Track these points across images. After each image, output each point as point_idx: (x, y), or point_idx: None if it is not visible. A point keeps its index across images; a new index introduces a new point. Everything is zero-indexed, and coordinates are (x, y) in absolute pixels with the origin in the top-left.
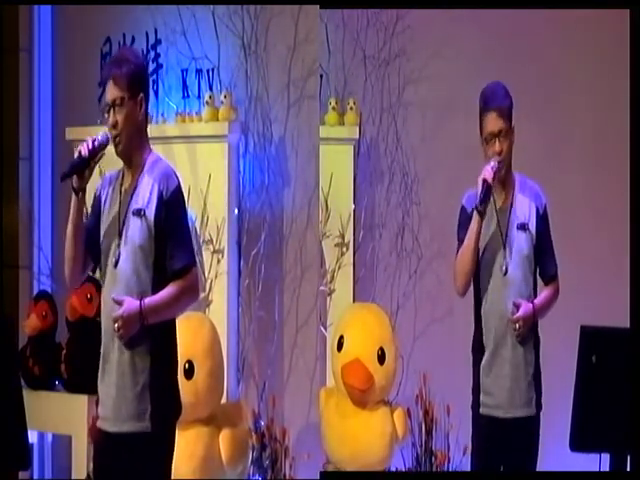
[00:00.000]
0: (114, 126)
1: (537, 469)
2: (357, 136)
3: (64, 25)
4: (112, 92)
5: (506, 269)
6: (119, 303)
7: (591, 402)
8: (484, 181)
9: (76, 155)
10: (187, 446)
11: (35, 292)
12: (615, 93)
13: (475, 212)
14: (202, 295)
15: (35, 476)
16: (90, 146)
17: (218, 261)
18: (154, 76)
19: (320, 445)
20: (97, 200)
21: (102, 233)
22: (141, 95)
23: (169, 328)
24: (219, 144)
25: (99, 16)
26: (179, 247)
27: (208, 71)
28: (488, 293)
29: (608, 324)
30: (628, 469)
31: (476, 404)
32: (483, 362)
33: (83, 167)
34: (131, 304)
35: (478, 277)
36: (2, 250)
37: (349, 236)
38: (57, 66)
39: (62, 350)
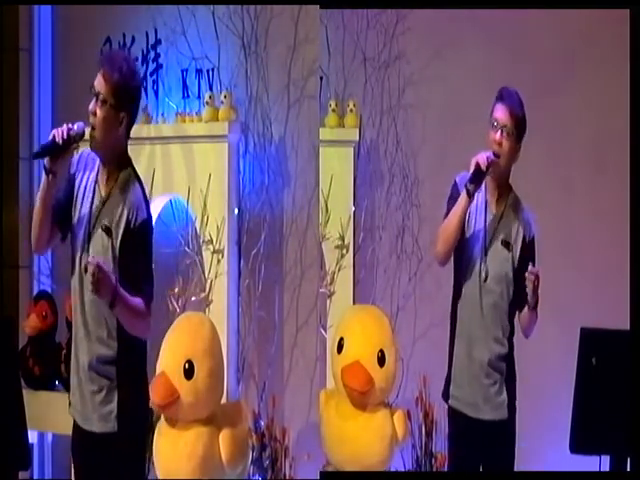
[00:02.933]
0: (93, 114)
1: (537, 470)
2: (357, 138)
3: (64, 25)
4: (99, 85)
5: (486, 277)
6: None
7: (591, 404)
8: (477, 164)
9: (50, 137)
10: (187, 446)
11: (35, 292)
12: (615, 93)
13: (464, 191)
14: (202, 295)
15: (35, 476)
16: (65, 135)
17: (218, 261)
18: (154, 76)
19: (320, 445)
20: (71, 178)
21: (75, 219)
22: (123, 114)
23: (137, 340)
24: (219, 144)
25: (99, 16)
26: (141, 282)
27: (208, 71)
28: (465, 293)
29: (608, 326)
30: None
31: (446, 394)
32: (456, 352)
33: (55, 152)
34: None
35: (458, 273)
36: (2, 250)
37: (349, 238)
38: (57, 66)
39: (62, 350)
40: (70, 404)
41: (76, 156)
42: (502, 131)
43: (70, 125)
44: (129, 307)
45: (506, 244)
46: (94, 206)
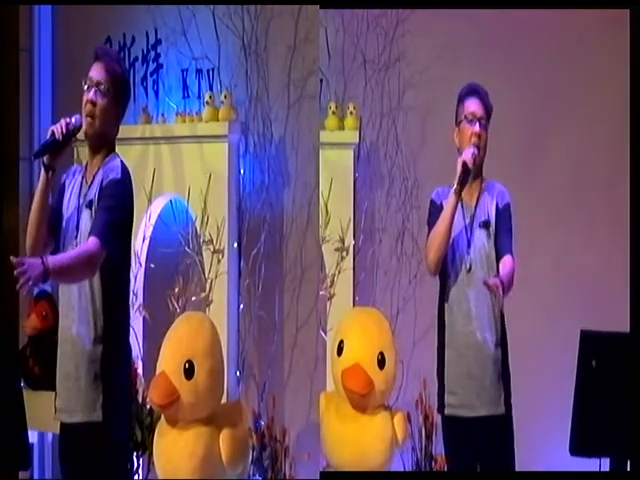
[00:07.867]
0: (93, 103)
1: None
2: (357, 140)
3: (64, 25)
4: (101, 73)
5: (470, 266)
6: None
7: (591, 406)
8: (464, 164)
9: (49, 135)
10: (187, 446)
11: (35, 292)
12: (615, 93)
13: (452, 193)
14: (202, 295)
15: (35, 476)
16: (64, 129)
17: (218, 261)
18: (154, 76)
19: (320, 446)
20: (62, 187)
21: (64, 223)
22: (120, 109)
23: (122, 321)
24: (219, 144)
25: (99, 16)
26: (99, 222)
27: (208, 71)
28: (452, 291)
29: (608, 329)
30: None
31: (441, 406)
32: (447, 361)
33: (55, 148)
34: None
35: (443, 273)
36: (2, 250)
37: (349, 240)
38: (57, 66)
39: None
40: (56, 410)
41: (64, 175)
42: (480, 123)
43: (67, 119)
44: (63, 267)
45: (484, 224)
46: (80, 195)
